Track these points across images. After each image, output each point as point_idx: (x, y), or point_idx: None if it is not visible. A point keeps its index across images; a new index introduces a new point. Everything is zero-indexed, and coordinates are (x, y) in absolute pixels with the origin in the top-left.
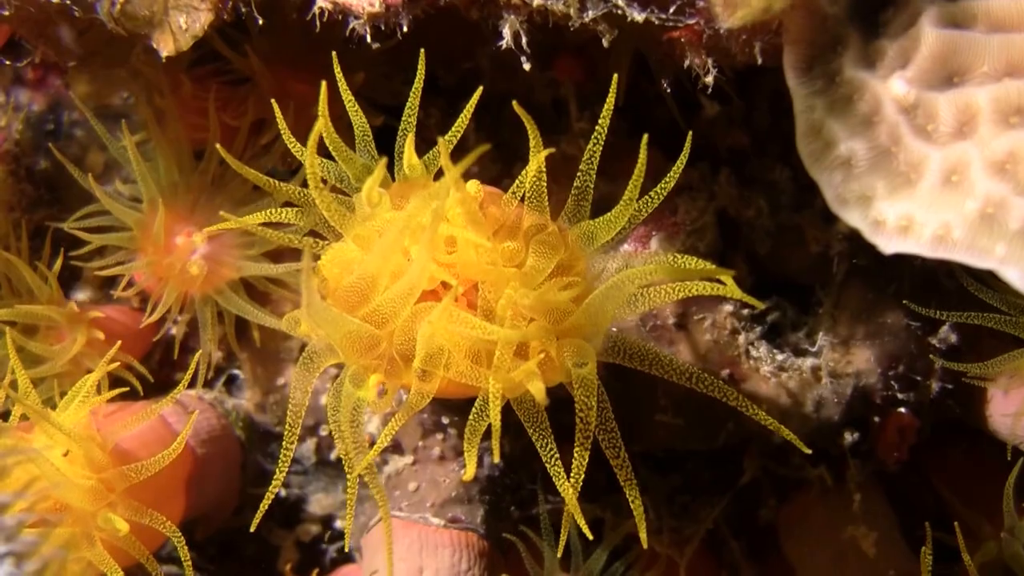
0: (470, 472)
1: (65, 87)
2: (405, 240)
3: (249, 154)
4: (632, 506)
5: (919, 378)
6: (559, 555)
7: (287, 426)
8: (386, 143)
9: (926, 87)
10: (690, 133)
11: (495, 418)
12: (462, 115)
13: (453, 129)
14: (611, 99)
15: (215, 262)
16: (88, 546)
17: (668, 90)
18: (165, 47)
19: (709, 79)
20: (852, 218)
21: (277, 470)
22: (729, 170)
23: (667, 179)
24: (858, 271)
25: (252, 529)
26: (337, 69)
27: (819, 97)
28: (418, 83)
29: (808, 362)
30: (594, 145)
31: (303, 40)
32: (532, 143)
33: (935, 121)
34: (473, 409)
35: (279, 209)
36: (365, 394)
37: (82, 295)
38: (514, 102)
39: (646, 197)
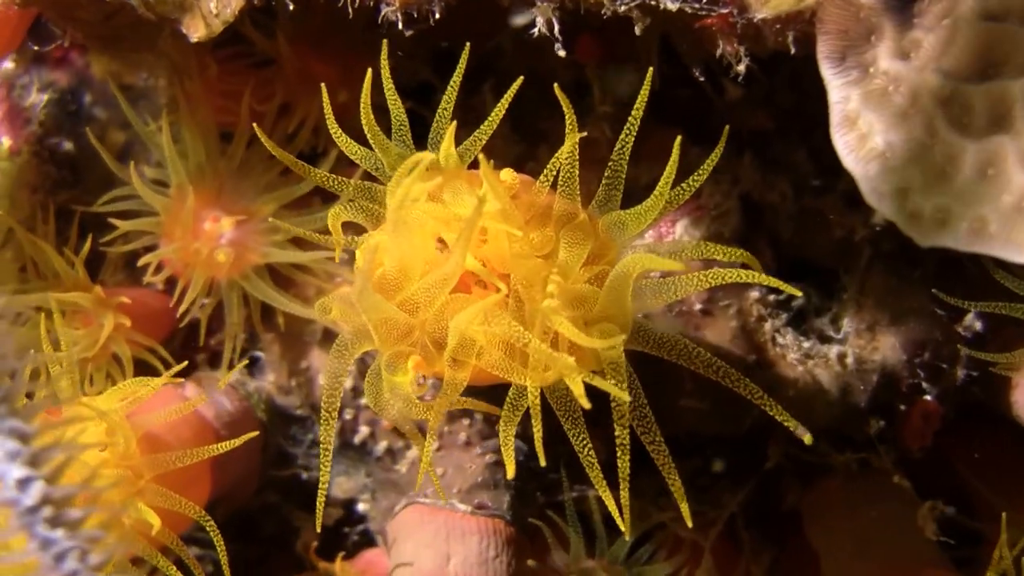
0: (511, 472)
1: (87, 66)
2: (440, 230)
3: (276, 138)
4: (672, 488)
5: (944, 365)
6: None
7: (323, 414)
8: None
9: (962, 79)
10: (726, 128)
11: (536, 427)
12: (495, 111)
13: (486, 124)
14: (644, 91)
15: (241, 247)
16: (118, 531)
17: (701, 78)
18: (195, 32)
19: (741, 67)
20: (888, 211)
21: (321, 462)
22: (752, 153)
23: (699, 172)
24: (882, 256)
25: (318, 529)
26: (384, 60)
27: (853, 88)
28: (457, 76)
29: (834, 349)
30: (626, 136)
31: (326, 21)
32: (568, 127)
33: (971, 114)
34: (505, 406)
35: (335, 210)
36: (402, 379)
37: (106, 275)
38: (555, 86)
39: (677, 188)
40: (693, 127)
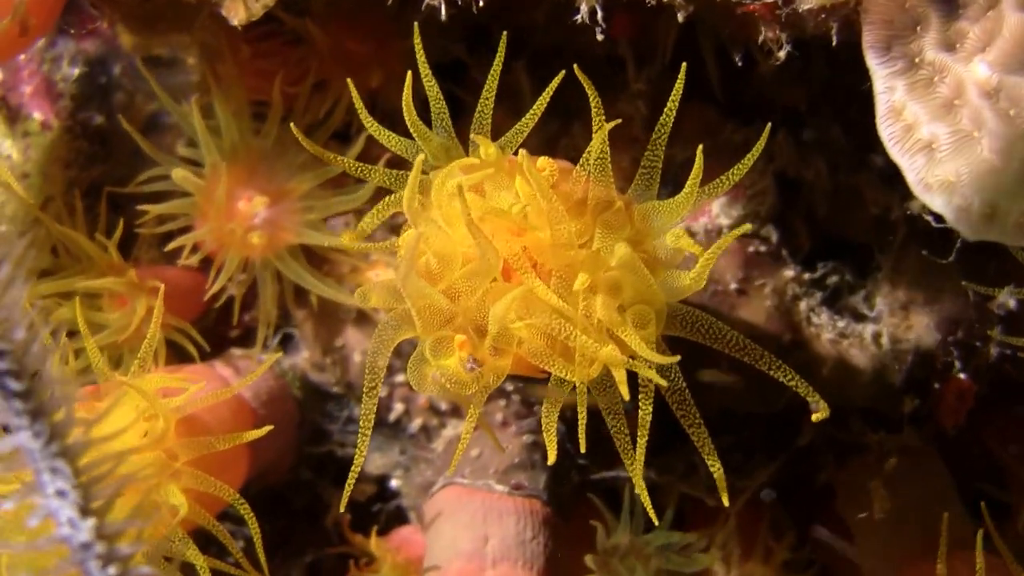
0: (552, 457)
1: (115, 36)
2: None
3: (309, 118)
4: (712, 472)
5: (978, 343)
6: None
7: (364, 398)
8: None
9: (1008, 71)
10: (768, 126)
11: (581, 416)
12: (536, 105)
13: (527, 117)
14: (679, 85)
15: (275, 227)
16: (155, 513)
17: (740, 63)
18: (236, 16)
19: (781, 54)
20: (936, 204)
21: (357, 447)
22: (786, 130)
23: (739, 166)
24: (917, 234)
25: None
26: (418, 45)
27: (899, 78)
28: (496, 66)
29: (869, 328)
30: (662, 127)
31: None
32: (595, 117)
33: (1019, 106)
34: (547, 393)
35: (386, 203)
36: (450, 361)
37: (140, 252)
38: (575, 66)
39: (717, 180)
40: (726, 101)
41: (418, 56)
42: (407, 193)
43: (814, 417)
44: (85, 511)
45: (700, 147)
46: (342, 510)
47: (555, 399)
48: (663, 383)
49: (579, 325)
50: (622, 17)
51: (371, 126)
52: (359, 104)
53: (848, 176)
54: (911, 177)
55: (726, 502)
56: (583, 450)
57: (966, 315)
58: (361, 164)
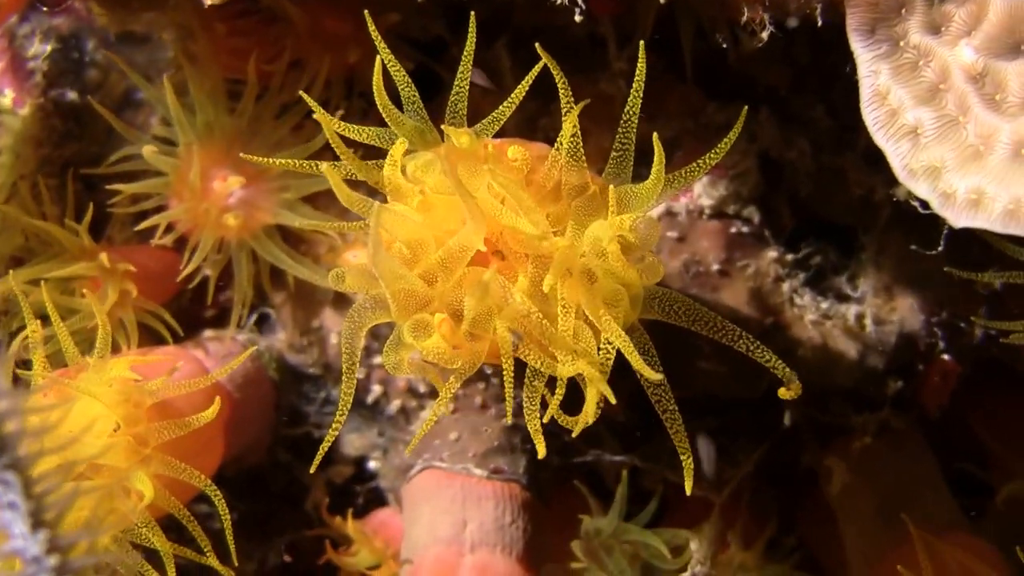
0: (541, 452)
1: (88, 11)
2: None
3: (285, 97)
4: (683, 461)
5: (962, 324)
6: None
7: (344, 378)
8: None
9: (994, 56)
10: (744, 109)
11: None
12: (514, 93)
13: (505, 105)
14: (641, 65)
15: (251, 206)
16: (122, 499)
17: (724, 46)
18: None
19: (764, 35)
20: (920, 190)
21: (333, 424)
22: (769, 109)
23: (718, 148)
24: (901, 215)
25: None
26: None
27: (883, 62)
28: (467, 53)
29: (852, 309)
30: (631, 109)
31: None
32: (563, 100)
33: (1004, 91)
34: (525, 387)
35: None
36: (432, 341)
37: (114, 232)
38: (537, 45)
39: (695, 163)
40: (709, 81)
41: (377, 43)
42: (387, 171)
43: (781, 391)
44: (37, 523)
45: (655, 135)
46: (312, 470)
47: (533, 392)
48: (653, 374)
49: (561, 324)
50: None
51: (339, 126)
52: (379, 88)
53: (832, 156)
54: (896, 163)
55: (689, 491)
56: (541, 455)
57: (951, 296)
58: (349, 126)
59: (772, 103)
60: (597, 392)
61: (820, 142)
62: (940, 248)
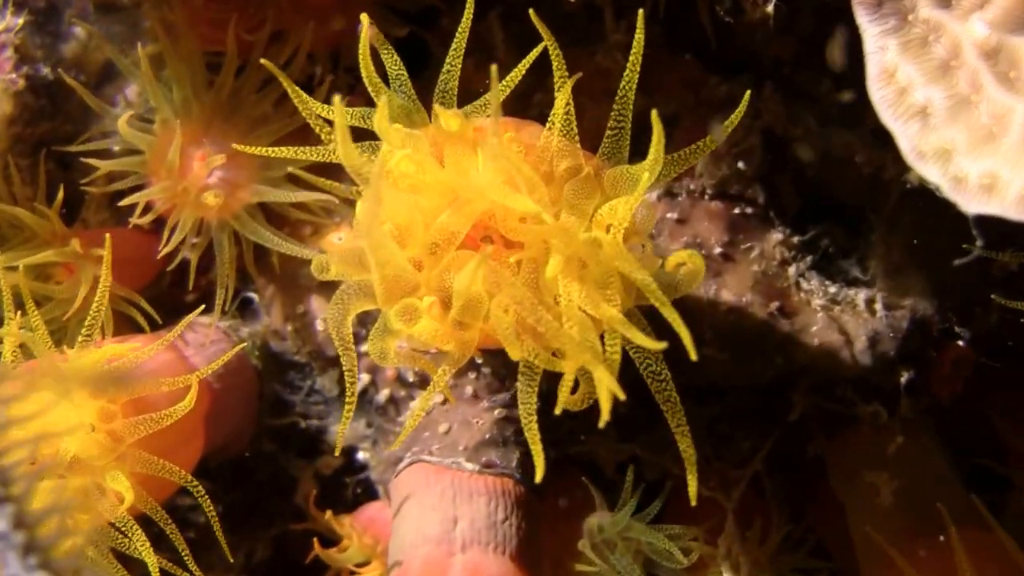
0: (540, 469)
1: None
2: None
3: (265, 70)
4: (684, 456)
5: (977, 308)
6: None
7: (345, 373)
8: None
9: (1008, 31)
10: (748, 93)
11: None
12: (508, 77)
13: (501, 86)
14: (639, 36)
15: (232, 185)
16: (98, 497)
17: (728, 20)
18: None
19: (769, 8)
20: (931, 174)
21: (341, 423)
22: (774, 84)
23: (720, 129)
24: (912, 193)
25: None
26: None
27: (891, 36)
28: (464, 25)
29: (862, 294)
30: (626, 85)
31: None
32: (556, 75)
33: (1019, 69)
34: (520, 384)
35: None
36: (422, 326)
37: (89, 214)
38: (531, 12)
39: (695, 146)
40: (710, 54)
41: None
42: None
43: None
44: (3, 498)
45: (654, 112)
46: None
47: (530, 385)
48: (658, 345)
49: (566, 316)
50: None
51: (321, 109)
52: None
53: (840, 133)
54: (904, 145)
55: (694, 500)
56: (539, 479)
57: (965, 278)
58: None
59: (776, 77)
60: (609, 392)
61: (827, 118)
62: (952, 220)
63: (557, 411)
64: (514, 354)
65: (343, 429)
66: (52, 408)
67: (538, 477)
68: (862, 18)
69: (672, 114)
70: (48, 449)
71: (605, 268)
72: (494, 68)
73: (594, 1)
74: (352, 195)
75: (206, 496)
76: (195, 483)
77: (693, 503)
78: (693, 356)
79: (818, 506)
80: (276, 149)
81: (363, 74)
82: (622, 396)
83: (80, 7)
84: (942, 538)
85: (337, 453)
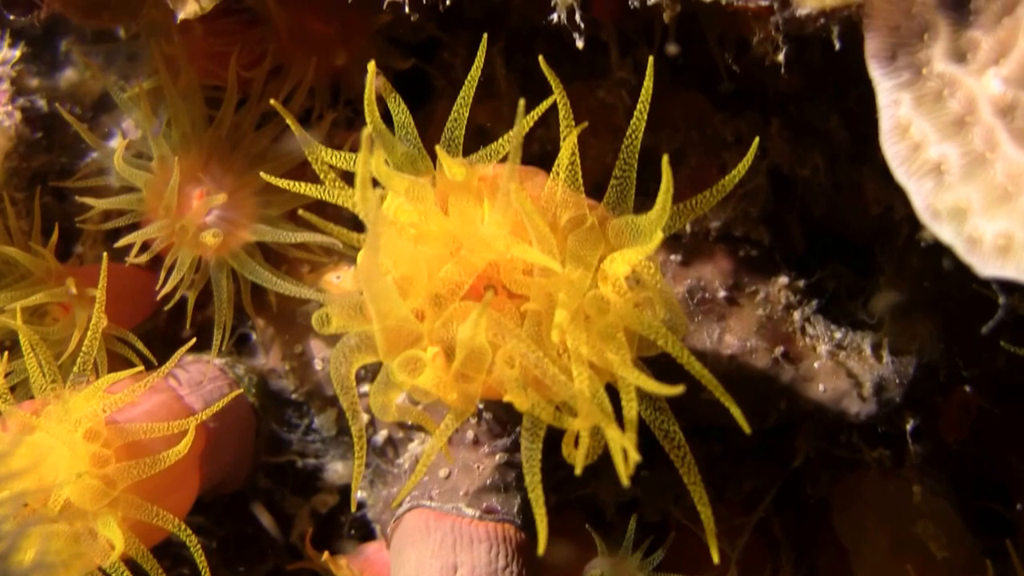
0: (542, 540)
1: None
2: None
3: (265, 105)
4: (700, 511)
5: (983, 352)
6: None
7: (355, 439)
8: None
9: None
10: (756, 141)
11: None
12: (515, 129)
13: (511, 139)
14: (648, 84)
15: (230, 224)
16: (90, 542)
17: (736, 69)
18: (184, 9)
19: (780, 57)
20: (945, 233)
21: (354, 477)
22: (780, 120)
23: (727, 180)
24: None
25: None
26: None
27: (905, 91)
28: (473, 73)
29: (868, 338)
30: (632, 136)
31: None
32: (563, 125)
33: None
34: (524, 435)
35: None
36: (423, 379)
37: (85, 248)
38: (540, 58)
39: (702, 196)
40: (713, 89)
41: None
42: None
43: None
44: None
45: (664, 159)
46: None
47: (533, 442)
48: (673, 390)
49: (577, 377)
50: None
51: (326, 153)
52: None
53: (847, 171)
54: (918, 202)
55: (716, 560)
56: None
57: (973, 321)
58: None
59: (783, 113)
60: (622, 453)
61: (835, 155)
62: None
63: (577, 471)
64: (521, 406)
65: (355, 486)
66: (44, 458)
67: (540, 549)
68: (875, 71)
69: (678, 150)
70: (41, 494)
71: (610, 322)
72: (515, 132)
73: (598, 35)
74: (355, 243)
75: (199, 547)
76: (188, 532)
77: (716, 562)
78: (747, 430)
79: (823, 549)
80: (288, 182)
81: (369, 124)
82: (637, 457)
83: (77, 35)
84: None
85: (353, 509)
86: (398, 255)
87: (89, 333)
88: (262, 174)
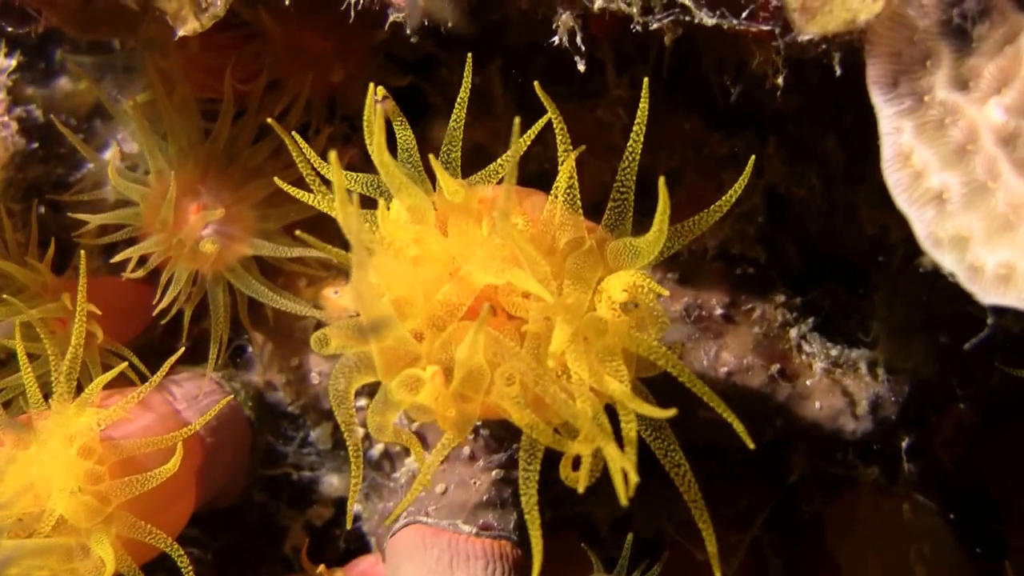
0: (538, 562)
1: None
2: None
3: (263, 118)
4: (702, 530)
5: (978, 371)
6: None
7: (352, 458)
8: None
9: None
10: (752, 159)
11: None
12: (511, 152)
13: (506, 165)
14: (644, 106)
15: (227, 238)
16: (82, 559)
17: (734, 93)
18: (183, 26)
19: (779, 80)
20: (946, 262)
21: (350, 496)
22: (777, 140)
23: (720, 204)
24: (916, 254)
25: None
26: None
27: (907, 118)
28: (464, 90)
29: (864, 356)
30: (629, 157)
31: None
32: (560, 149)
33: None
34: (522, 458)
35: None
36: (422, 397)
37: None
38: (536, 83)
39: (697, 218)
40: (713, 110)
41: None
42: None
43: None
44: None
45: (661, 181)
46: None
47: (531, 464)
48: (667, 413)
49: (579, 399)
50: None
51: (324, 169)
52: (382, 146)
53: (843, 191)
54: (920, 230)
55: (717, 574)
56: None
57: (967, 339)
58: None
59: (780, 133)
60: (621, 474)
61: (831, 175)
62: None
63: (580, 489)
64: (519, 421)
65: (351, 502)
66: (38, 475)
67: (536, 565)
68: (877, 98)
69: (674, 170)
70: (34, 511)
71: (609, 343)
72: (511, 153)
73: (595, 54)
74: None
75: (190, 568)
76: (179, 551)
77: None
78: (751, 445)
79: (815, 567)
80: (296, 191)
81: (376, 158)
82: (637, 479)
83: (72, 44)
84: None
85: (349, 526)
86: (394, 276)
87: (71, 343)
88: (276, 179)
